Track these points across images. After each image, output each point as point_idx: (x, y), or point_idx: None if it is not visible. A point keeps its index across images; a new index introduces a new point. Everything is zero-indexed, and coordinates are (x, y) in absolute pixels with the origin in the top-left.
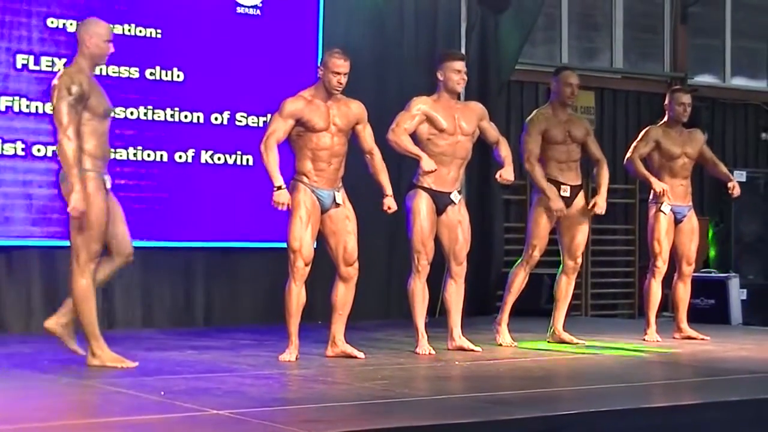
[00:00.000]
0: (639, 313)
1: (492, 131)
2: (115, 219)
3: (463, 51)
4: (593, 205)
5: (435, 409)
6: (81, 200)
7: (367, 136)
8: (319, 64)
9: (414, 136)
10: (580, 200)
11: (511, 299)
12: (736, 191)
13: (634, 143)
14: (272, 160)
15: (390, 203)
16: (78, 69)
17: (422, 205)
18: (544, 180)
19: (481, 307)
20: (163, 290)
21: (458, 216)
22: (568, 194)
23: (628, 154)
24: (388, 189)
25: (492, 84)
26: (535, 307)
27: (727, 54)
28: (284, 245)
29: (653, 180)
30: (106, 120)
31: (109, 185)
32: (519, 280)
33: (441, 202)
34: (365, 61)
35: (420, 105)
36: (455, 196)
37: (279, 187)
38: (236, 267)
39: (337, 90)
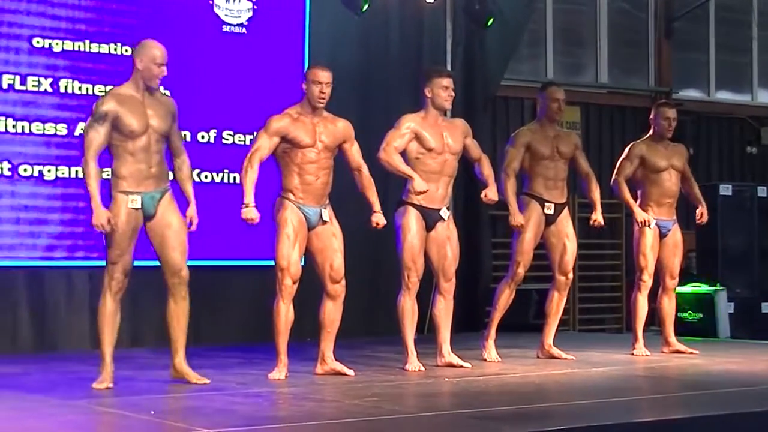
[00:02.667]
0: (626, 327)
1: (475, 149)
2: (163, 240)
3: (449, 67)
4: (594, 222)
5: (426, 426)
6: (95, 218)
7: (354, 153)
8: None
9: (403, 155)
10: (565, 217)
11: (497, 316)
12: (704, 218)
13: (619, 162)
14: (250, 178)
15: (378, 219)
16: (118, 90)
17: (412, 222)
18: (512, 193)
19: (469, 323)
20: (151, 309)
21: (447, 232)
22: (551, 212)
23: (614, 176)
24: (377, 205)
25: (478, 100)
26: (523, 323)
27: (711, 68)
28: (271, 263)
29: (636, 210)
30: (139, 139)
31: (137, 205)
32: (505, 296)
33: (430, 218)
34: (351, 79)
35: (409, 123)
36: (444, 213)
37: (246, 204)
38: (223, 285)
39: (321, 102)
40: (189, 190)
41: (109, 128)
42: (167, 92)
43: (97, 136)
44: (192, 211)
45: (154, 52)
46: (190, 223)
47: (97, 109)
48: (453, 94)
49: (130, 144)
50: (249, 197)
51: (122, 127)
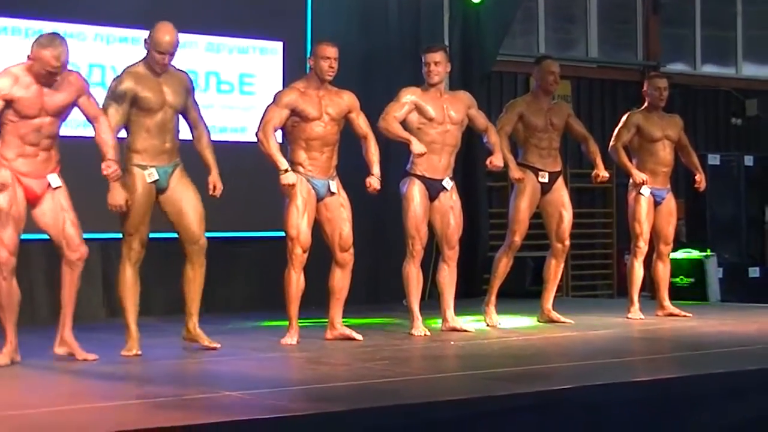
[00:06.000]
0: (618, 293)
1: (480, 119)
2: (180, 211)
3: (446, 44)
4: (596, 177)
5: (435, 387)
6: (111, 197)
7: (361, 122)
8: (309, 56)
9: (405, 126)
10: (560, 185)
11: (497, 283)
12: (703, 185)
13: (617, 130)
14: (273, 145)
15: (372, 181)
16: (134, 68)
17: (415, 192)
18: (508, 151)
19: (468, 289)
20: (161, 279)
21: (450, 202)
22: (546, 180)
23: (612, 142)
24: (375, 169)
25: (474, 75)
26: (520, 290)
27: (697, 43)
28: (280, 234)
29: (634, 171)
30: (157, 115)
31: (154, 178)
32: (503, 264)
33: (433, 188)
34: (352, 56)
35: (408, 95)
36: (447, 183)
37: (286, 170)
38: (232, 256)
39: (329, 75)
40: (209, 158)
41: (128, 107)
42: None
43: (117, 116)
44: (215, 177)
45: (159, 38)
46: (214, 188)
47: (115, 88)
48: (439, 69)
49: (147, 120)
50: (284, 162)
51: (140, 104)
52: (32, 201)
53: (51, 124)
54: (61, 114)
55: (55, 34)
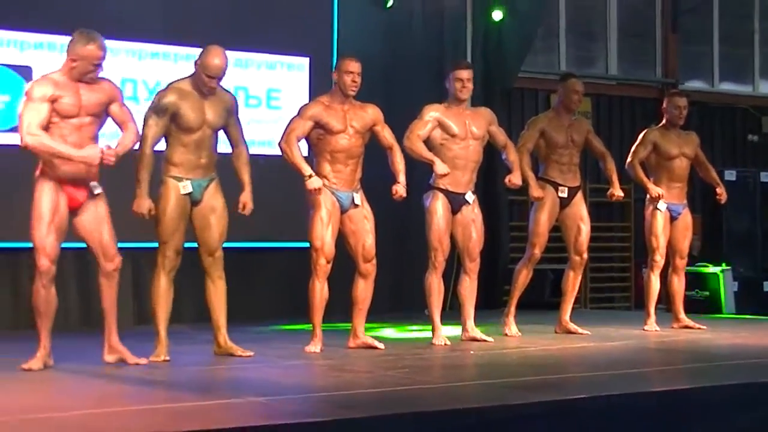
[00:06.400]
0: (635, 305)
1: (500, 135)
2: (205, 223)
3: (468, 60)
4: (612, 195)
5: (454, 395)
6: (136, 205)
7: (386, 134)
8: (333, 70)
9: (428, 142)
10: (579, 200)
11: (516, 294)
12: (724, 197)
13: (634, 147)
14: (297, 153)
15: (398, 188)
16: (179, 84)
17: (438, 205)
18: (528, 168)
19: (488, 300)
20: (189, 289)
21: (472, 215)
22: (565, 195)
23: (629, 159)
24: (400, 177)
25: (496, 91)
26: (539, 301)
27: (715, 60)
28: (305, 245)
29: (650, 186)
30: (195, 133)
31: (188, 190)
32: (523, 276)
33: (456, 202)
34: (377, 71)
35: (432, 112)
36: (469, 197)
37: (310, 175)
38: (258, 266)
39: (353, 90)
40: (245, 177)
41: (168, 120)
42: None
43: (156, 128)
44: (246, 196)
45: (209, 61)
46: (244, 207)
47: (159, 101)
48: (469, 86)
49: (185, 136)
50: (307, 168)
51: (179, 121)
52: (74, 208)
53: (90, 124)
54: (99, 115)
55: (89, 30)
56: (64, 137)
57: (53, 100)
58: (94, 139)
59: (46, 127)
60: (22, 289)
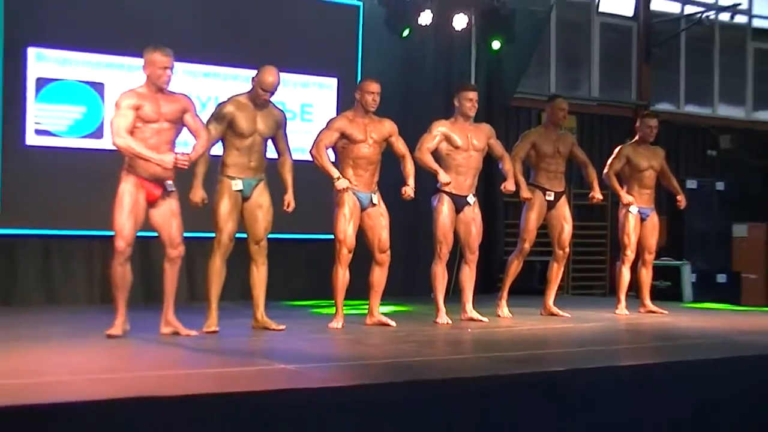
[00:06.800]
0: (609, 292)
1: (498, 148)
2: (253, 216)
3: (473, 82)
4: (592, 198)
5: (454, 366)
6: (192, 194)
7: (400, 145)
8: (356, 90)
9: (436, 152)
10: (563, 202)
11: (508, 281)
12: (683, 204)
13: (610, 160)
14: (326, 159)
15: (407, 190)
16: (238, 98)
17: (444, 206)
18: (520, 174)
19: (485, 286)
20: (233, 270)
21: (472, 214)
22: (552, 198)
23: (606, 170)
24: (410, 181)
25: (495, 109)
26: (528, 288)
27: (681, 87)
28: (330, 237)
29: (622, 194)
30: (247, 139)
31: (238, 187)
32: (514, 266)
33: (459, 203)
34: (394, 91)
35: (440, 127)
36: (470, 199)
37: (338, 177)
38: (292, 254)
39: (373, 107)
40: (288, 180)
41: (225, 127)
42: None
43: (214, 132)
44: (290, 196)
45: (265, 78)
46: (288, 205)
47: (219, 110)
48: (476, 105)
49: (238, 141)
50: (336, 171)
51: (235, 128)
52: (151, 202)
53: (168, 129)
54: (176, 122)
55: (155, 44)
56: (146, 139)
57: (137, 108)
58: (171, 143)
59: (132, 131)
60: (95, 271)
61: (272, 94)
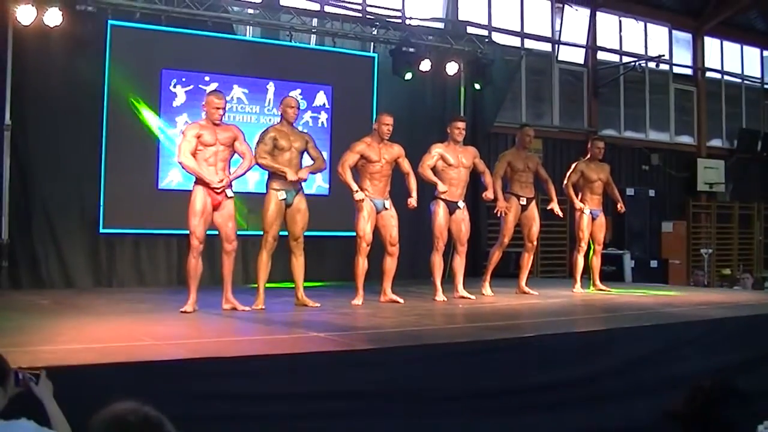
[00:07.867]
0: (568, 275)
1: (481, 165)
2: (293, 219)
3: (462, 114)
4: (552, 210)
5: (449, 333)
6: (289, 174)
7: (405, 164)
8: (374, 121)
9: (434, 169)
10: (533, 206)
11: (490, 268)
12: (622, 210)
13: (568, 173)
14: (349, 175)
15: (411, 201)
16: (277, 126)
17: (440, 209)
18: (499, 188)
19: (472, 272)
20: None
21: (462, 216)
22: (525, 203)
23: (565, 182)
24: (413, 193)
25: (479, 135)
26: (505, 272)
27: (621, 117)
28: (352, 234)
29: (576, 202)
30: (286, 153)
31: (283, 197)
32: (495, 256)
33: (452, 207)
34: (401, 121)
35: (437, 149)
36: (461, 204)
37: (356, 191)
38: (324, 247)
39: (386, 135)
40: (316, 166)
41: (270, 147)
42: None
43: (261, 152)
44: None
45: (289, 103)
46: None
47: (264, 135)
48: (464, 132)
49: (280, 157)
50: (355, 185)
51: (277, 145)
52: (215, 206)
53: (223, 151)
54: (228, 146)
55: (215, 90)
56: (206, 159)
57: (198, 136)
58: (227, 161)
59: (194, 153)
60: (173, 261)
61: (294, 119)
